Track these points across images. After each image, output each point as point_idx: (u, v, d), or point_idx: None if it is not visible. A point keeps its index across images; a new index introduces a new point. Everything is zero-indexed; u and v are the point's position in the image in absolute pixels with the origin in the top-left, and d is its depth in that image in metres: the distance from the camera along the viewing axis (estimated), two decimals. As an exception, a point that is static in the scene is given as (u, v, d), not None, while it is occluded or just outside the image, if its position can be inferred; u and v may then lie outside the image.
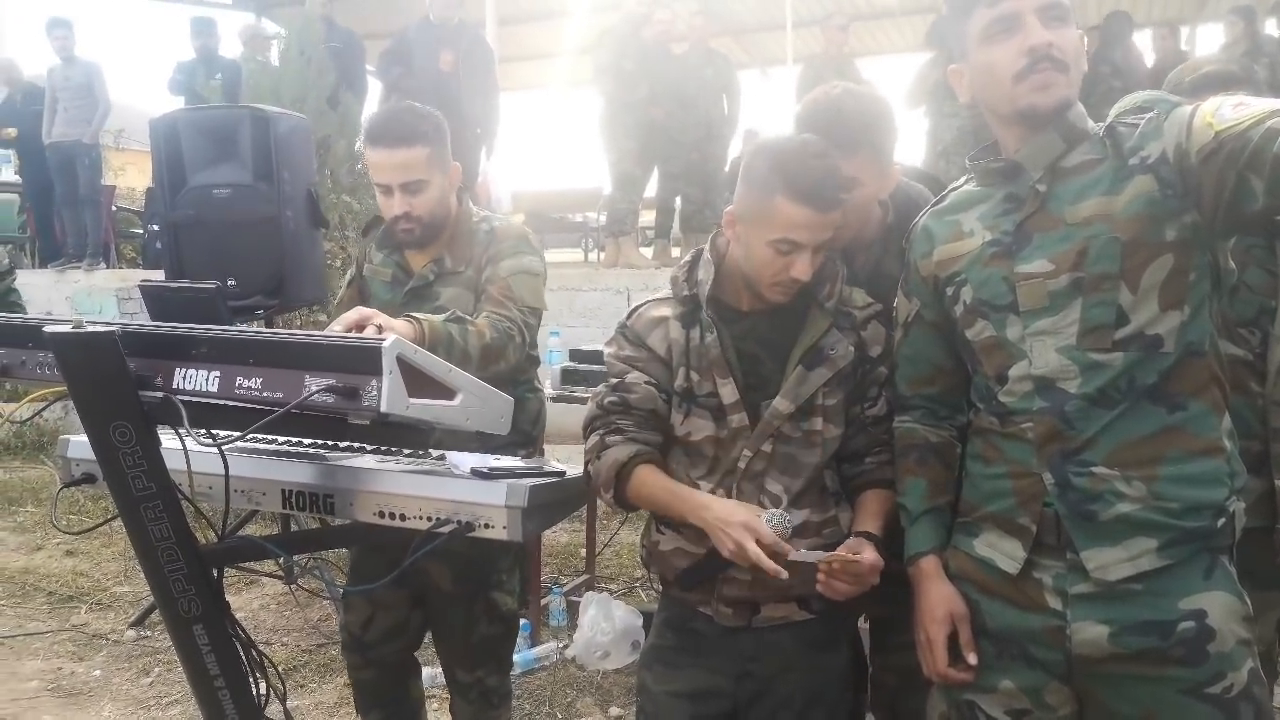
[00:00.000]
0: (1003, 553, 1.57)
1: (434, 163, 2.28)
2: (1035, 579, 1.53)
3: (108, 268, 8.51)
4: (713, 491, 1.77)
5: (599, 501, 3.52)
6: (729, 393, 1.76)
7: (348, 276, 2.61)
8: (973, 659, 1.59)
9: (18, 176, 9.43)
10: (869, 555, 1.67)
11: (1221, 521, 1.47)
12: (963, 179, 1.72)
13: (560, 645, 3.80)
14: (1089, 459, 1.47)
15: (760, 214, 1.72)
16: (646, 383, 1.81)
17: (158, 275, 5.00)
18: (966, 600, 1.62)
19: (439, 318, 2.07)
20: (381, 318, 1.94)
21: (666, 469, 1.82)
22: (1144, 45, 7.83)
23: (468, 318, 2.15)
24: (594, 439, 1.82)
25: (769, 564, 1.62)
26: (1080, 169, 1.53)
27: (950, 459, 1.71)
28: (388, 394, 1.43)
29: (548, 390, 3.09)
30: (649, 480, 1.77)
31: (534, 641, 3.80)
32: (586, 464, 1.83)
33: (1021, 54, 1.48)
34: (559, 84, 12.42)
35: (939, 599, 1.63)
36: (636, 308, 1.90)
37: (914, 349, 1.74)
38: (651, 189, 7.47)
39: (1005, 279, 1.54)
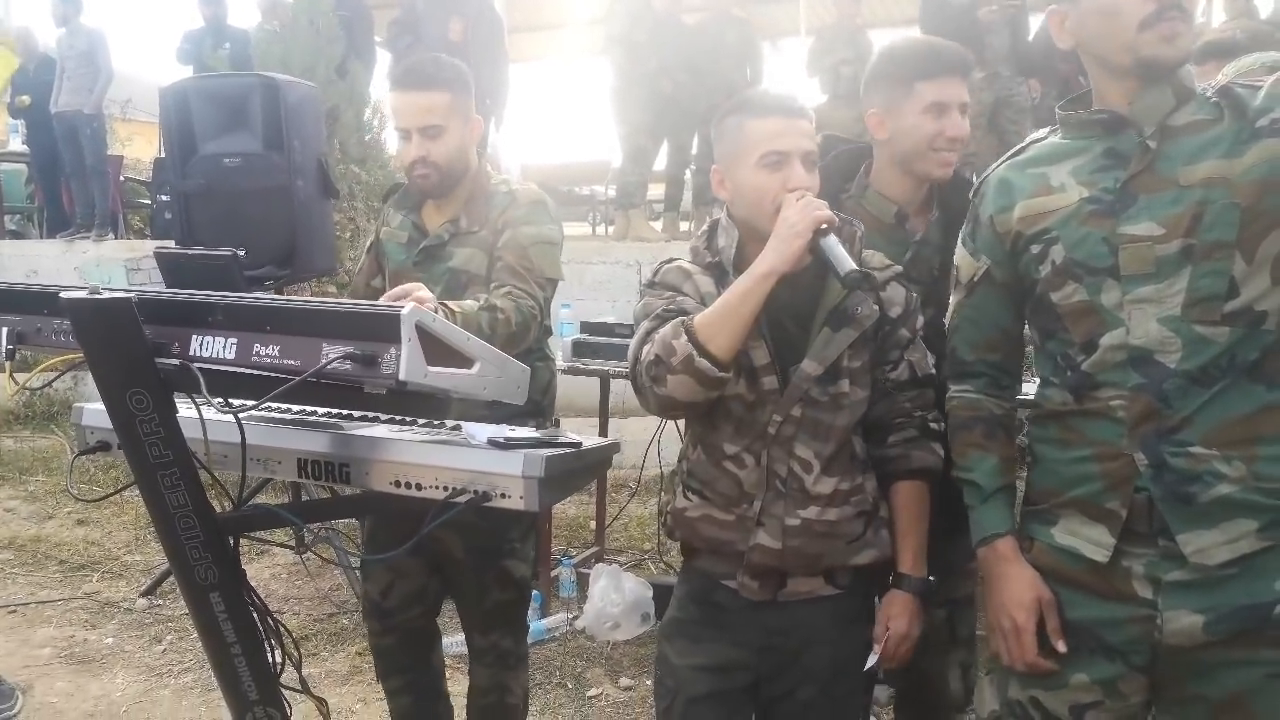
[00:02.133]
0: (1088, 540, 1.49)
1: (454, 110, 2.29)
2: (1123, 567, 1.47)
3: (116, 238, 8.49)
4: (740, 456, 1.74)
5: (607, 473, 3.52)
6: (760, 355, 1.73)
7: (367, 244, 2.61)
8: (1062, 647, 1.52)
9: (25, 146, 9.40)
10: (897, 629, 1.76)
11: None
12: (1045, 131, 1.63)
13: (570, 616, 3.82)
14: (1186, 438, 1.41)
15: (739, 148, 1.74)
16: (697, 305, 1.74)
17: (168, 245, 4.99)
18: None
19: (472, 305, 2.08)
20: (423, 290, 1.95)
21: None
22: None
23: (498, 304, 2.16)
24: (646, 347, 1.70)
25: (826, 209, 1.64)
26: (1191, 128, 1.45)
27: (1014, 434, 1.66)
28: (406, 362, 1.42)
29: (559, 363, 3.08)
30: (707, 310, 1.67)
31: (544, 612, 3.81)
32: (644, 358, 1.69)
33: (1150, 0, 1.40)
34: (568, 55, 12.32)
35: (1026, 584, 1.55)
36: (657, 268, 1.86)
37: (979, 311, 1.66)
38: (661, 161, 7.42)
39: (1106, 240, 1.46)
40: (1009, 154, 1.64)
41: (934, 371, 1.82)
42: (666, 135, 7.13)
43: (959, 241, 1.69)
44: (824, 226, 1.63)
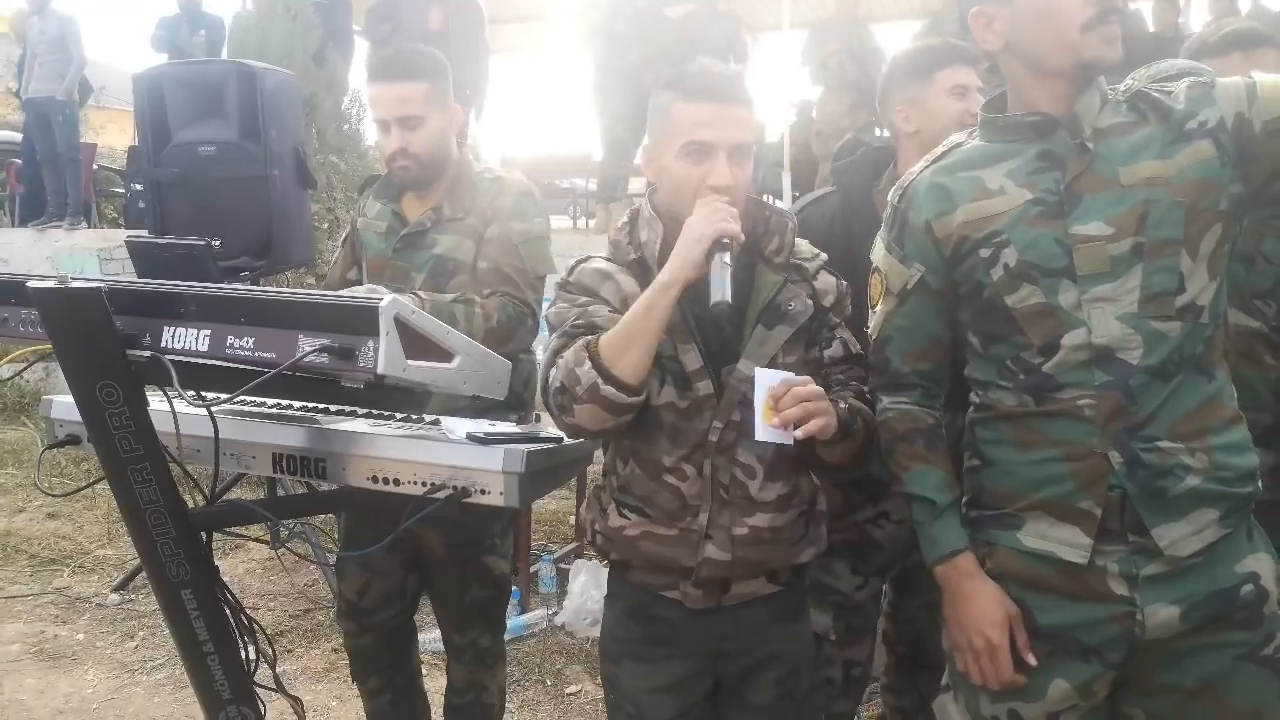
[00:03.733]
0: (1061, 542, 1.47)
1: (432, 100, 2.27)
2: (1098, 566, 1.45)
3: (89, 227, 8.37)
4: (680, 467, 1.64)
5: (588, 469, 3.50)
6: (692, 359, 1.63)
7: (343, 235, 2.58)
8: (1032, 660, 1.49)
9: (16, 133, 9.27)
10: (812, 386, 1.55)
11: (1254, 486, 1.48)
12: (959, 135, 1.62)
13: (550, 612, 3.80)
14: (1153, 433, 1.42)
15: (663, 130, 1.63)
16: (611, 312, 1.64)
17: (142, 234, 4.92)
18: (1012, 599, 1.52)
19: (446, 297, 2.05)
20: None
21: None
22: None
23: (475, 299, 2.14)
24: (555, 359, 1.61)
25: (735, 222, 1.53)
26: (1118, 129, 1.47)
27: (949, 446, 1.63)
28: (385, 355, 1.39)
29: (539, 355, 3.05)
30: (612, 330, 1.57)
31: (523, 608, 3.79)
32: (550, 382, 1.60)
33: (1091, 3, 1.41)
34: (548, 47, 12.27)
35: (993, 600, 1.51)
36: (575, 264, 1.74)
37: (911, 320, 1.61)
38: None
39: (1059, 240, 1.45)
40: (929, 160, 1.61)
41: (863, 351, 1.76)
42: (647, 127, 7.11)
43: (880, 248, 1.64)
44: (725, 240, 1.53)
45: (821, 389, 1.58)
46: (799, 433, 1.51)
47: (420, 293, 2.03)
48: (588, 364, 1.55)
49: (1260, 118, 1.41)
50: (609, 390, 1.54)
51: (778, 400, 1.52)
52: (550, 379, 1.61)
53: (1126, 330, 1.43)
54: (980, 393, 1.57)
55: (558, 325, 1.68)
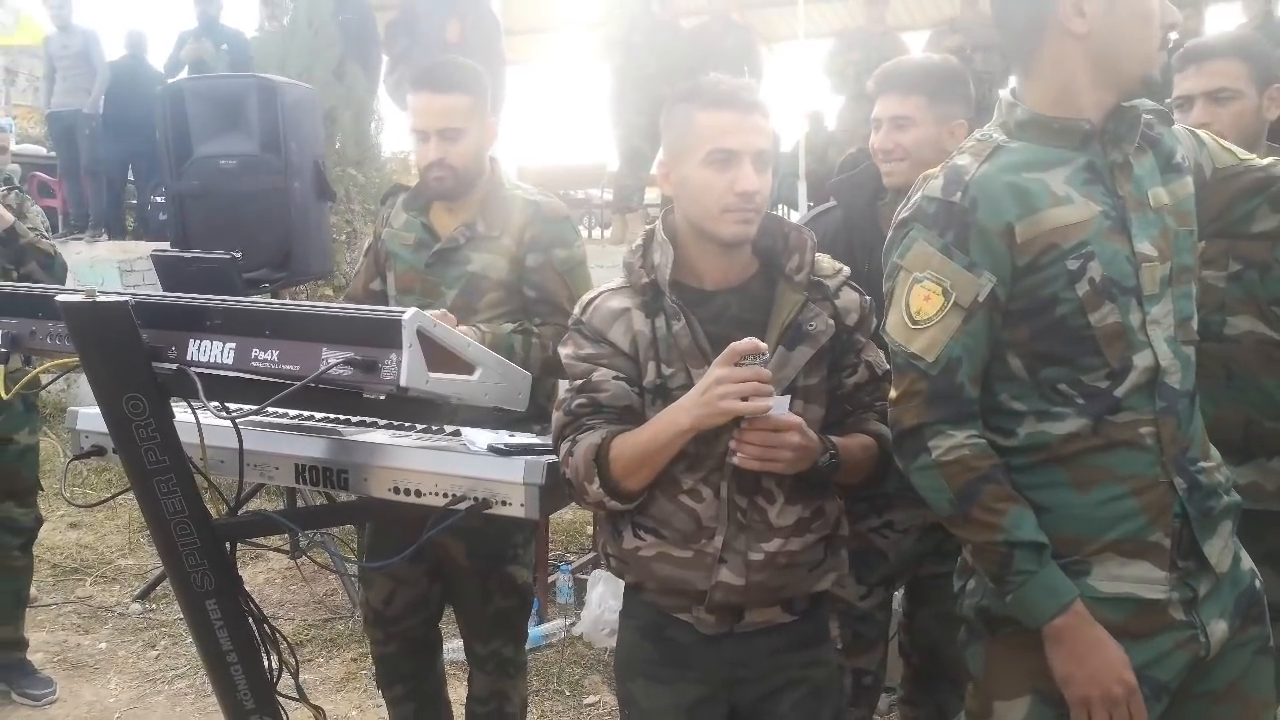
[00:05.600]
0: (1136, 580, 1.38)
1: (473, 113, 2.29)
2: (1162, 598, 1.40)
3: (110, 239, 8.45)
4: (697, 489, 1.62)
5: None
6: None
7: (365, 244, 2.59)
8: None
9: (39, 147, 9.38)
10: (791, 418, 1.51)
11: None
12: (994, 131, 1.47)
13: (568, 622, 3.80)
14: (1194, 456, 1.43)
15: (685, 141, 1.63)
16: (615, 378, 1.64)
17: (165, 248, 4.97)
18: None
19: (506, 327, 2.09)
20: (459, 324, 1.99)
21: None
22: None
23: (533, 329, 2.18)
24: (565, 445, 1.63)
25: (763, 404, 1.47)
26: (1135, 153, 1.47)
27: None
28: (407, 368, 1.41)
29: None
30: (627, 441, 1.58)
31: (541, 618, 3.79)
32: (562, 470, 1.64)
33: (1166, 26, 1.40)
34: (563, 58, 12.33)
35: (1114, 644, 1.36)
36: (590, 300, 1.73)
37: (976, 340, 1.40)
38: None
39: (1128, 259, 1.39)
40: (981, 155, 1.44)
41: (888, 365, 1.67)
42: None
43: (929, 253, 1.43)
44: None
45: (801, 442, 1.53)
46: (738, 460, 1.53)
47: (482, 326, 2.07)
48: (597, 482, 1.59)
49: (1210, 164, 1.51)
50: (614, 503, 1.62)
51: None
52: (559, 452, 1.65)
53: (1169, 354, 1.41)
54: (1017, 429, 1.43)
55: (569, 375, 1.69)
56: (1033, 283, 1.39)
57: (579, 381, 1.66)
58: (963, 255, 1.40)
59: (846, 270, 1.72)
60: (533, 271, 2.30)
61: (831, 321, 1.66)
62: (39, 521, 3.35)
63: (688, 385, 1.60)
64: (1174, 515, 1.39)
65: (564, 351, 1.71)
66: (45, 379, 1.90)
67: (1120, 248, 1.39)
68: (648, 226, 1.77)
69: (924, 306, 1.43)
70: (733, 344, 1.50)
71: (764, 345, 1.51)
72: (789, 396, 1.56)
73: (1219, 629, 1.43)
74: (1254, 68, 1.97)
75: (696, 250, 1.67)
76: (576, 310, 1.73)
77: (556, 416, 1.68)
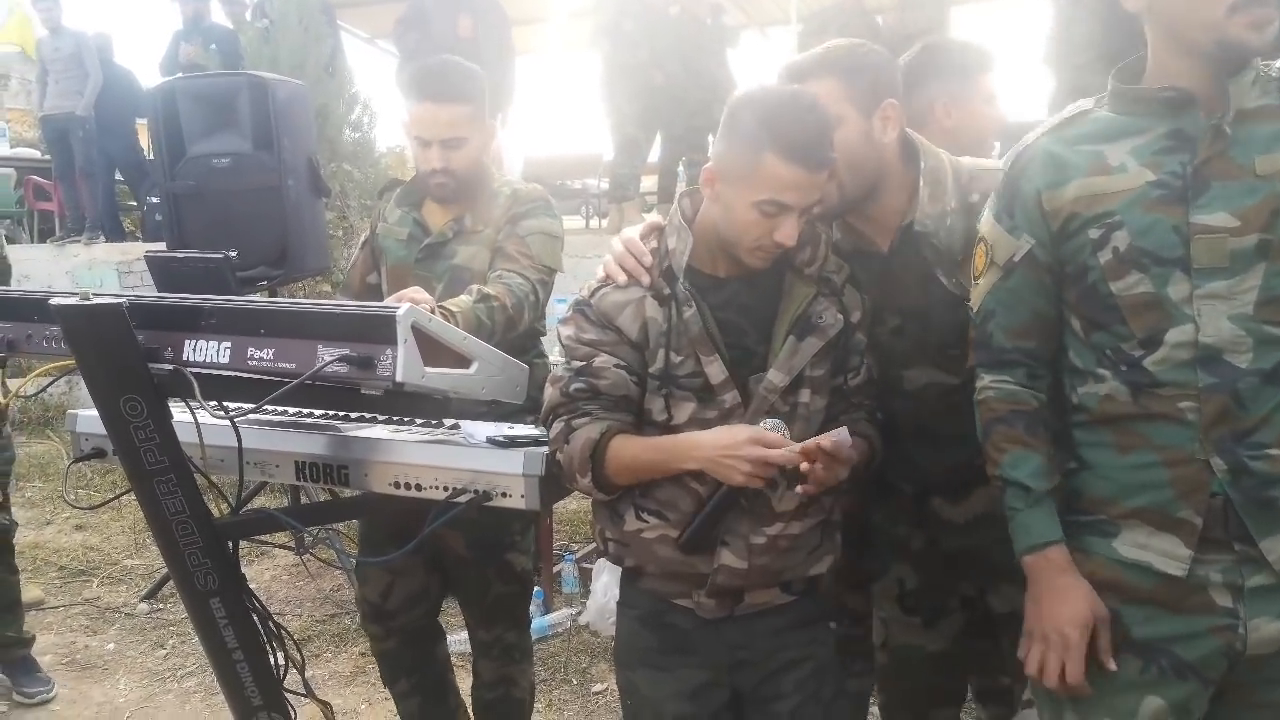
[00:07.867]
0: (1160, 553, 1.40)
1: (474, 121, 2.29)
2: (1199, 576, 1.39)
3: (107, 241, 8.45)
4: (700, 472, 1.62)
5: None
6: (716, 371, 1.62)
7: (361, 239, 2.60)
8: (1112, 666, 1.43)
9: (34, 150, 9.35)
10: (844, 435, 1.55)
11: None
12: (1088, 102, 1.50)
13: (574, 612, 3.81)
14: (1263, 440, 1.35)
15: (745, 172, 1.57)
16: (617, 366, 1.64)
17: (160, 247, 4.96)
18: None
19: (467, 299, 2.07)
20: (419, 292, 1.96)
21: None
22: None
23: (490, 292, 2.14)
24: (559, 425, 1.64)
25: (794, 457, 1.52)
26: (1262, 114, 1.37)
27: (1052, 431, 1.53)
28: (403, 363, 1.41)
29: (554, 356, 3.06)
30: (628, 446, 1.61)
31: (547, 608, 3.80)
32: (554, 453, 1.65)
33: None
34: (552, 48, 12.28)
35: (1083, 598, 1.43)
36: (599, 286, 1.71)
37: (1015, 295, 1.50)
38: (654, 154, 7.38)
39: (1176, 229, 1.36)
40: (1049, 126, 1.50)
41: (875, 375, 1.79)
42: (658, 126, 7.09)
43: (989, 217, 1.55)
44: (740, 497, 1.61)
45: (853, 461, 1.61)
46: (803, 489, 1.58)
47: (450, 306, 2.04)
48: (589, 477, 1.62)
49: None
50: (600, 495, 1.67)
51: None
52: (552, 434, 1.67)
53: (1237, 332, 1.35)
54: (1078, 387, 1.49)
55: (567, 356, 1.68)
56: (1069, 249, 1.46)
57: (579, 364, 1.66)
58: (1008, 219, 1.51)
59: (848, 268, 1.75)
60: (500, 242, 2.29)
61: (840, 316, 1.68)
62: (14, 525, 3.33)
63: (697, 373, 1.62)
64: (1210, 495, 1.37)
65: (565, 331, 1.70)
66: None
67: (1165, 217, 1.37)
68: (648, 215, 1.77)
69: (979, 264, 1.58)
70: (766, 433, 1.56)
71: (784, 426, 1.59)
72: (845, 428, 1.59)
73: (1268, 630, 1.37)
74: (852, 87, 1.73)
75: (715, 242, 1.68)
76: (584, 292, 1.73)
77: (550, 393, 1.69)
